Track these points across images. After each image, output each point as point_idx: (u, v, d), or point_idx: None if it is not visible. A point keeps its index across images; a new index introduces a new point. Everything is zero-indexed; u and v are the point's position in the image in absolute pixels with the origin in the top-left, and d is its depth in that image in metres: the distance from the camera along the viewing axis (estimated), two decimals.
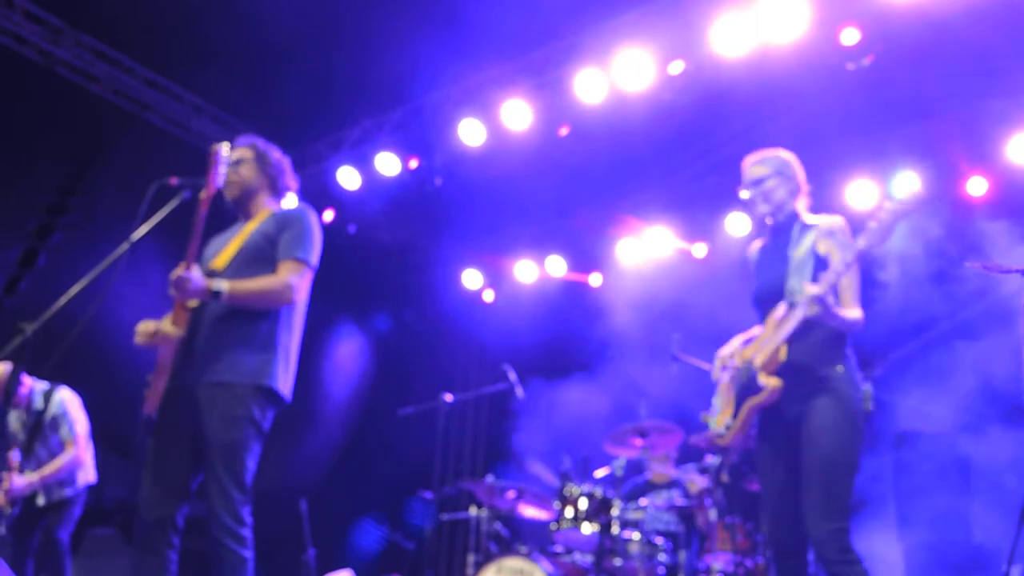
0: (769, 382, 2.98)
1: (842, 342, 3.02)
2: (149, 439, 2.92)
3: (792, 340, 2.96)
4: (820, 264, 3.02)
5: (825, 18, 5.16)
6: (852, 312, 2.98)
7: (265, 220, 3.15)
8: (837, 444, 2.86)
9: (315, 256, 3.11)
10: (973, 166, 6.08)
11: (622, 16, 5.74)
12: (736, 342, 3.34)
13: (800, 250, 3.10)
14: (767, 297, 3.15)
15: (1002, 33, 5.03)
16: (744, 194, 3.29)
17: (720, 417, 3.20)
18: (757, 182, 3.26)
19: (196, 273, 2.84)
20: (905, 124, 6.03)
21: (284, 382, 3.01)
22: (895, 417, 5.99)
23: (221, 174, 3.01)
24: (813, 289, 2.83)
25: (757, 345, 3.13)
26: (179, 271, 2.82)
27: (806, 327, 2.94)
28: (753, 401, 3.04)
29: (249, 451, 2.88)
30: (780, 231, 3.26)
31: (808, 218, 3.25)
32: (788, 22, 5.15)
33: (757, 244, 3.42)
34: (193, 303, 2.94)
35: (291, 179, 3.35)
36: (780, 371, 2.98)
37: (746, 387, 3.10)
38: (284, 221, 3.12)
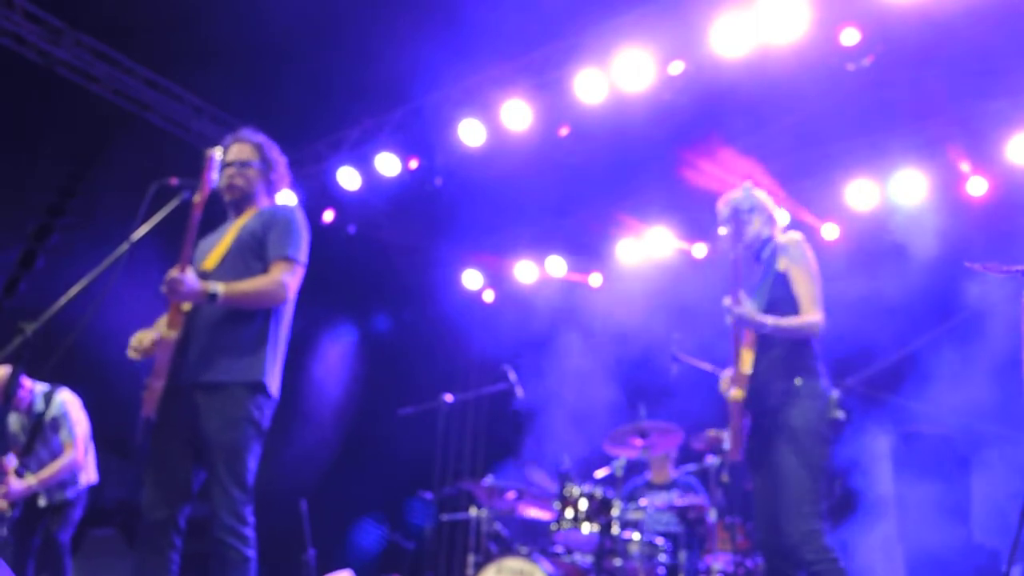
0: (732, 395, 3.19)
1: (801, 355, 3.20)
2: (149, 441, 2.92)
3: (757, 356, 3.17)
4: (779, 280, 3.26)
5: (825, 18, 5.15)
6: (796, 319, 3.16)
7: (252, 218, 3.16)
8: (800, 453, 3.06)
9: (304, 253, 3.13)
10: (973, 166, 6.08)
11: (622, 16, 5.73)
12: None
13: (764, 271, 3.35)
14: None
15: (1002, 33, 5.03)
16: (722, 230, 3.52)
17: (725, 433, 3.54)
18: (731, 218, 3.49)
19: (190, 275, 2.84)
20: (905, 124, 6.03)
21: (273, 377, 3.03)
22: (895, 417, 5.99)
23: (215, 179, 3.02)
24: (726, 301, 3.14)
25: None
26: (173, 273, 2.82)
27: (767, 343, 3.17)
28: (732, 415, 3.24)
29: (249, 451, 2.89)
30: (756, 259, 3.49)
31: (778, 239, 3.47)
32: (788, 22, 5.15)
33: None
34: (187, 305, 2.94)
35: (285, 180, 3.38)
36: (748, 385, 3.19)
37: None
38: (271, 219, 3.12)
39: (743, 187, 3.57)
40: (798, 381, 3.14)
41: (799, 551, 2.93)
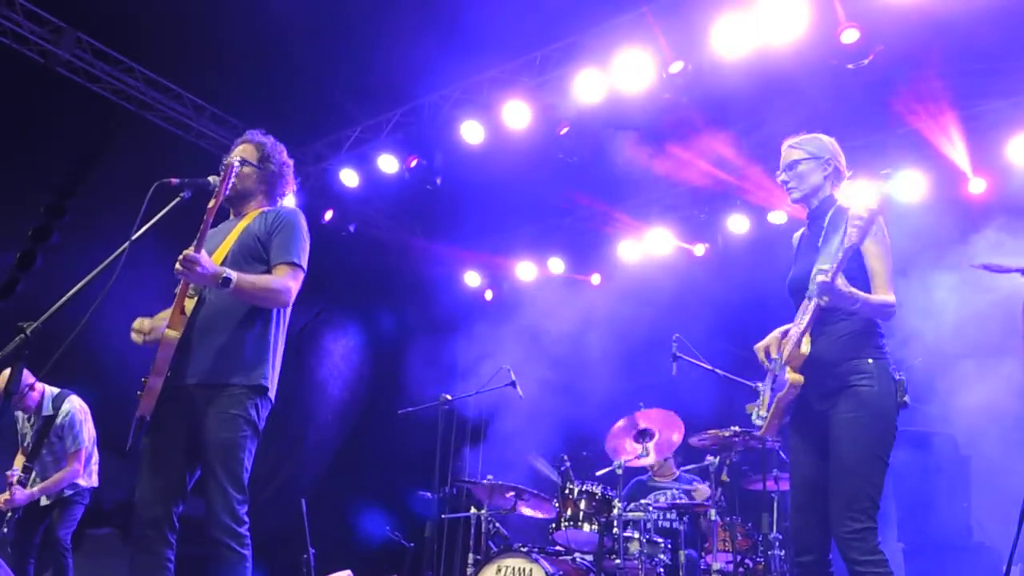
0: (790, 378, 2.85)
1: (871, 333, 2.89)
2: (144, 439, 2.92)
3: (815, 333, 2.84)
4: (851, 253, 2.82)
5: (825, 18, 5.16)
6: (881, 296, 2.84)
7: (254, 220, 3.16)
8: (863, 442, 2.76)
9: (306, 258, 3.14)
10: (973, 166, 6.08)
11: (622, 16, 5.74)
12: (775, 333, 3.14)
13: (833, 238, 2.86)
14: (798, 287, 3.00)
15: (1002, 33, 5.03)
16: (780, 176, 3.17)
17: (760, 408, 3.09)
18: (790, 165, 3.14)
19: (205, 256, 2.82)
20: (905, 124, 6.04)
21: (273, 380, 3.04)
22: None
23: (230, 186, 3.01)
24: (819, 277, 2.71)
25: (788, 338, 2.98)
26: (189, 251, 2.78)
27: (831, 319, 2.84)
28: (779, 396, 2.92)
29: (246, 451, 2.89)
30: (815, 218, 3.11)
31: (844, 204, 3.04)
32: (788, 22, 5.15)
33: (800, 232, 3.28)
34: (189, 305, 2.94)
35: (290, 185, 3.35)
36: (805, 366, 2.85)
37: (778, 381, 2.98)
38: (274, 223, 3.12)
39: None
40: (869, 361, 2.82)
41: (846, 548, 2.66)
